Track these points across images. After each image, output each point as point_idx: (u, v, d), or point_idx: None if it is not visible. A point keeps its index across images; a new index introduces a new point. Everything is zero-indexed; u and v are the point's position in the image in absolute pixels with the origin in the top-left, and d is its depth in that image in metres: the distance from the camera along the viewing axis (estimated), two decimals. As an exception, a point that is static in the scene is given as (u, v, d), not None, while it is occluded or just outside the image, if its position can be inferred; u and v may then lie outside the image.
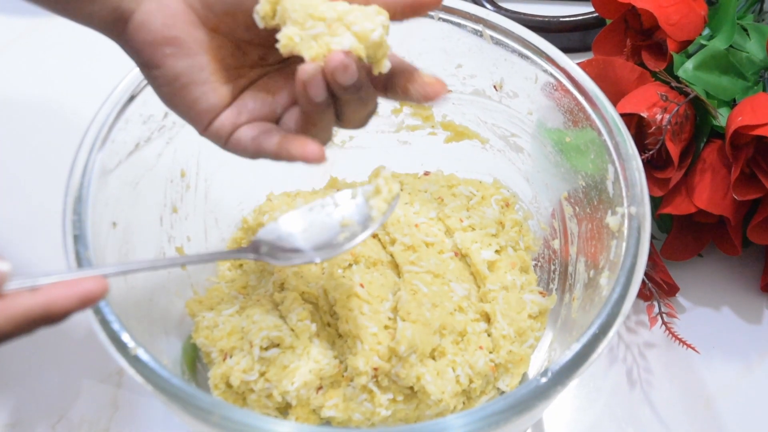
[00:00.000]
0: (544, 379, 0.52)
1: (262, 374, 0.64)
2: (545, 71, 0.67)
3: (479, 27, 0.69)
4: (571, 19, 0.96)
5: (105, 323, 0.53)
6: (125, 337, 0.53)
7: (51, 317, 0.45)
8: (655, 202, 0.75)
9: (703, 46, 0.77)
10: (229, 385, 0.66)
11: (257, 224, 0.73)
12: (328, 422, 0.66)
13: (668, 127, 0.72)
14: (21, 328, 0.45)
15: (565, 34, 0.96)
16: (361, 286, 0.67)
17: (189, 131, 0.68)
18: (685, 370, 0.75)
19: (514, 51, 0.68)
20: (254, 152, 0.54)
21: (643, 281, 0.74)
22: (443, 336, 0.66)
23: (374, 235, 0.72)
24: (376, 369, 0.64)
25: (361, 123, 0.55)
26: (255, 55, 0.55)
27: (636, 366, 0.75)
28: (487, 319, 0.69)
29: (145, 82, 0.64)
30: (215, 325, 0.67)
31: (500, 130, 0.74)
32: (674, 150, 0.72)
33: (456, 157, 0.78)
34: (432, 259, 0.70)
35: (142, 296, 0.64)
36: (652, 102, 0.73)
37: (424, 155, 0.78)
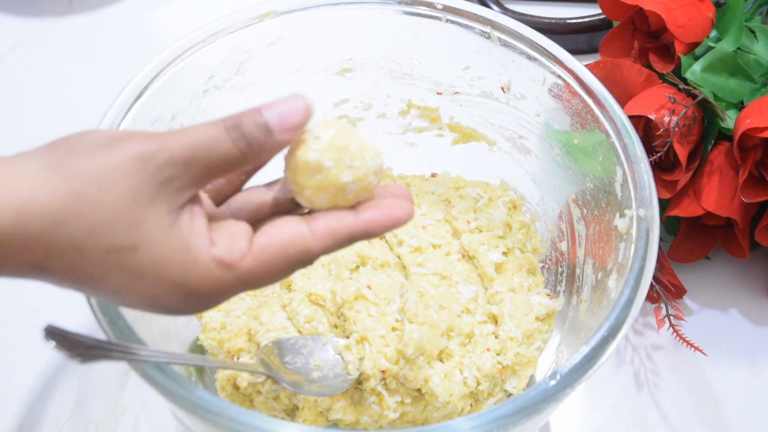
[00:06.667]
0: (552, 382, 0.52)
1: (269, 377, 0.64)
2: (553, 73, 0.67)
3: (487, 29, 0.69)
4: (578, 20, 0.96)
5: (113, 324, 0.53)
6: (133, 338, 0.53)
7: (368, 235, 0.49)
8: (663, 205, 0.75)
9: (710, 48, 0.77)
10: (236, 387, 0.66)
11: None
12: (335, 425, 0.65)
13: (676, 129, 0.72)
14: (341, 246, 0.49)
15: (572, 36, 0.96)
16: (368, 287, 0.67)
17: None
18: (693, 372, 0.75)
19: (521, 53, 0.68)
20: None
21: (651, 283, 0.74)
22: (450, 338, 0.66)
23: (381, 237, 0.72)
24: (383, 371, 0.64)
25: None
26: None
27: (643, 368, 0.75)
28: (495, 321, 0.69)
29: (153, 83, 0.64)
30: (223, 326, 0.67)
31: (508, 131, 0.74)
32: (682, 152, 0.72)
33: (463, 158, 0.78)
34: (439, 260, 0.70)
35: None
36: (660, 104, 0.73)
37: (431, 157, 0.78)
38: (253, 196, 0.51)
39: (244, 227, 0.48)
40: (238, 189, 0.52)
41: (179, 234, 0.45)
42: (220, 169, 0.46)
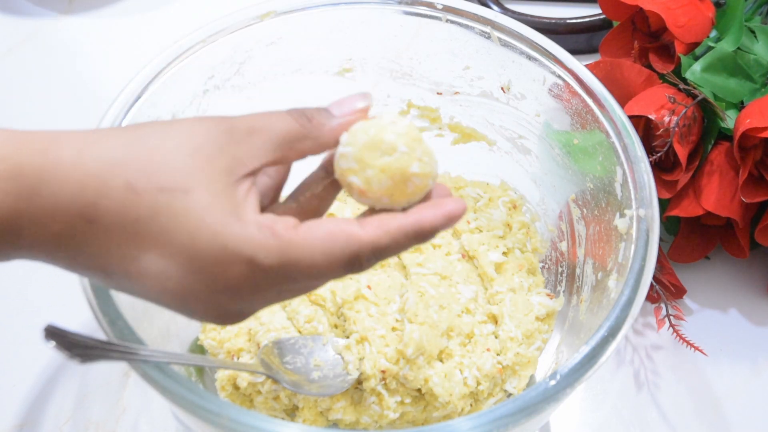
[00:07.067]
0: (553, 382, 0.52)
1: (269, 376, 0.64)
2: (553, 73, 0.67)
3: (487, 29, 0.69)
4: (578, 20, 0.96)
5: (113, 324, 0.53)
6: (133, 338, 0.53)
7: (422, 233, 0.47)
8: (663, 204, 0.75)
9: (710, 48, 0.77)
10: (236, 387, 0.66)
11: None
12: (335, 425, 0.66)
13: (676, 129, 0.72)
14: (397, 242, 0.46)
15: (572, 36, 0.96)
16: (368, 287, 0.67)
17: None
18: (693, 372, 0.75)
19: (521, 53, 0.68)
20: None
21: (651, 283, 0.74)
22: (450, 338, 0.66)
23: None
24: (383, 371, 0.64)
25: None
26: None
27: (643, 368, 0.75)
28: (495, 321, 0.69)
29: (153, 83, 0.64)
30: (223, 326, 0.67)
31: (508, 131, 0.74)
32: (682, 152, 0.72)
33: (463, 158, 0.77)
34: (439, 260, 0.70)
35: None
36: (660, 104, 0.73)
37: None
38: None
39: (291, 215, 0.48)
40: (280, 185, 0.52)
41: (233, 195, 0.44)
42: (281, 142, 0.46)
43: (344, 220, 0.46)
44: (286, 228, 0.45)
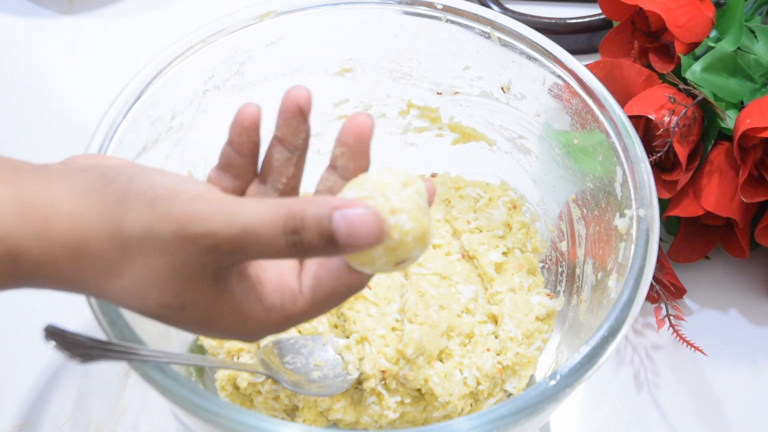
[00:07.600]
0: (553, 382, 0.52)
1: (269, 376, 0.64)
2: (553, 73, 0.67)
3: (487, 29, 0.69)
4: (578, 20, 0.96)
5: (113, 324, 0.53)
6: (133, 338, 0.53)
7: None
8: (663, 204, 0.75)
9: (710, 48, 0.77)
10: (236, 387, 0.66)
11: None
12: (335, 425, 0.66)
13: (676, 129, 0.72)
14: None
15: (572, 36, 0.96)
16: (369, 287, 0.67)
17: (196, 133, 0.68)
18: (693, 372, 0.75)
19: (521, 53, 0.68)
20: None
21: (651, 283, 0.74)
22: (450, 338, 0.66)
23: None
24: (383, 371, 0.64)
25: None
26: None
27: (643, 368, 0.75)
28: (495, 321, 0.69)
29: (153, 83, 0.64)
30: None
31: (507, 131, 0.74)
32: (682, 152, 0.72)
33: (463, 158, 0.78)
34: (439, 260, 0.70)
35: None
36: (660, 104, 0.73)
37: (431, 157, 0.78)
38: None
39: (291, 262, 0.48)
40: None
41: (230, 297, 0.46)
42: (266, 259, 0.45)
43: (345, 272, 0.47)
44: (293, 301, 0.47)
